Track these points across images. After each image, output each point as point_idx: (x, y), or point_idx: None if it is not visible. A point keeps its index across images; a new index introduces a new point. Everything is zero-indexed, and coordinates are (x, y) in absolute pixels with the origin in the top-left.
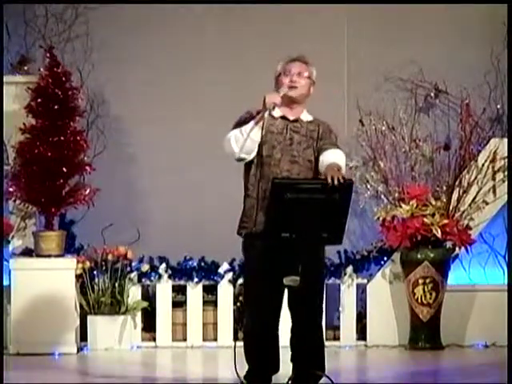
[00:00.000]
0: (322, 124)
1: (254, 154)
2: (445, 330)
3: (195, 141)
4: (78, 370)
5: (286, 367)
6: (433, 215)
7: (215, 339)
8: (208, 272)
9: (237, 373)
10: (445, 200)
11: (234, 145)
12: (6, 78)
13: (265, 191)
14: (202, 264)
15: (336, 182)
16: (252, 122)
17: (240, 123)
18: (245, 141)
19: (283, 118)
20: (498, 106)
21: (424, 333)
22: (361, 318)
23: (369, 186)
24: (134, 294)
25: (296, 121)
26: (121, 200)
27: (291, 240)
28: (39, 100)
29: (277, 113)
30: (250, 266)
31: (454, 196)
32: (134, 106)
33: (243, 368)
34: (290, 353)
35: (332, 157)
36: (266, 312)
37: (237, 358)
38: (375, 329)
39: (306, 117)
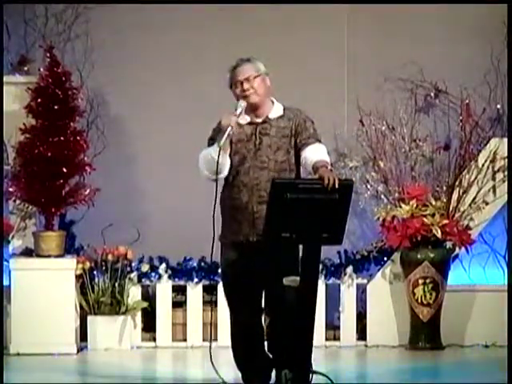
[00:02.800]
0: (294, 117)
1: (226, 171)
2: (445, 330)
3: (195, 141)
4: (77, 370)
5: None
6: (433, 215)
7: (215, 339)
8: (208, 272)
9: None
10: (445, 200)
11: (204, 170)
12: (5, 78)
13: (235, 200)
14: (202, 264)
15: (331, 185)
16: (215, 146)
17: (210, 140)
18: (208, 163)
19: (250, 123)
20: (498, 106)
21: (424, 333)
22: (361, 318)
23: (369, 186)
24: (134, 294)
25: (264, 122)
26: (121, 200)
27: (291, 240)
28: (39, 100)
29: (243, 120)
30: (224, 271)
31: (454, 196)
32: (134, 106)
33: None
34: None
35: (316, 153)
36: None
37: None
38: (375, 329)
39: (275, 113)
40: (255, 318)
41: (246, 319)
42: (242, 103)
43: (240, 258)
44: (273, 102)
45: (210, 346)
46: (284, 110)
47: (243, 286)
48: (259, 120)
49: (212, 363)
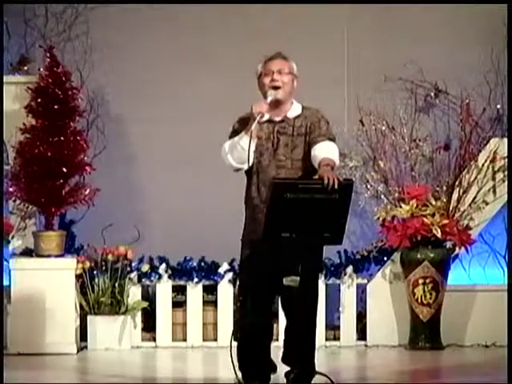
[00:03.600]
0: (309, 115)
1: (249, 163)
2: (445, 330)
3: (195, 141)
4: (78, 370)
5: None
6: (433, 215)
7: (215, 339)
8: (208, 272)
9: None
10: (445, 200)
11: (228, 156)
12: (5, 78)
13: (252, 199)
14: (202, 264)
15: (330, 186)
16: (243, 132)
17: (234, 132)
18: (237, 151)
19: (269, 121)
20: (498, 106)
21: (424, 333)
22: (361, 318)
23: (369, 186)
24: (134, 294)
25: (282, 121)
26: (121, 200)
27: (291, 240)
28: (39, 100)
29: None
30: (244, 270)
31: (454, 196)
32: (134, 106)
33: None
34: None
35: (323, 151)
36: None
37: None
38: (375, 329)
39: (293, 112)
40: (268, 318)
41: (259, 318)
42: (272, 95)
43: (257, 257)
44: (292, 103)
45: (231, 345)
46: (302, 109)
47: (259, 285)
48: (278, 119)
49: (232, 361)
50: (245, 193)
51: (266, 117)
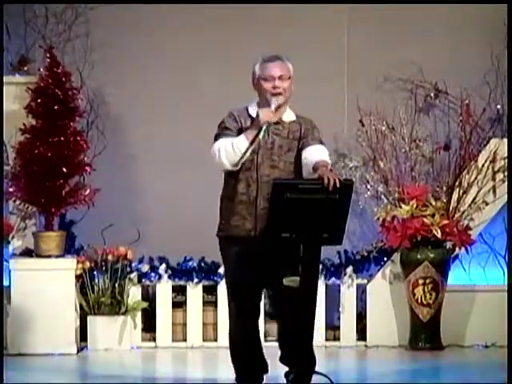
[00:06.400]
0: (304, 122)
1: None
2: (445, 330)
3: (195, 140)
4: (77, 370)
5: (280, 366)
6: (433, 215)
7: (215, 339)
8: (208, 272)
9: None
10: (445, 200)
11: (222, 158)
12: (5, 78)
13: (242, 194)
14: (202, 264)
15: (331, 187)
16: (244, 139)
17: (225, 129)
18: (233, 155)
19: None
20: (498, 106)
21: (424, 333)
22: (361, 318)
23: (369, 186)
24: (134, 294)
25: (278, 123)
26: (121, 200)
27: (291, 240)
28: (39, 100)
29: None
30: (226, 268)
31: (454, 196)
32: (133, 105)
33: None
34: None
35: (317, 153)
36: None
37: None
38: (375, 329)
39: (288, 117)
40: (255, 317)
41: (247, 318)
42: (276, 102)
43: (242, 253)
44: (287, 106)
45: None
46: (296, 116)
47: (245, 282)
48: (274, 120)
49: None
50: (225, 188)
51: (267, 127)
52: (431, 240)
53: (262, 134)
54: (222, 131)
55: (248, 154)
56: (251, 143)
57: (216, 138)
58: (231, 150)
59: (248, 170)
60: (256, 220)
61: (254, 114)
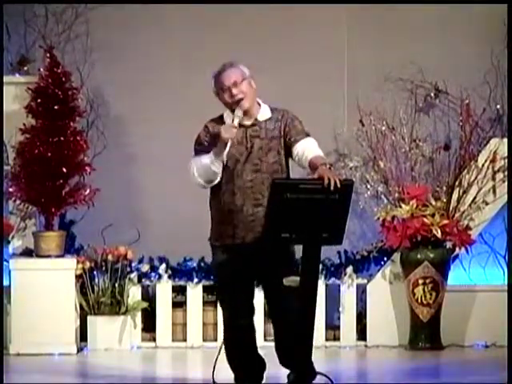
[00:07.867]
0: (282, 118)
1: (219, 178)
2: (445, 330)
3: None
4: (77, 370)
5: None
6: (433, 215)
7: (215, 339)
8: (208, 272)
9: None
10: (445, 200)
11: (196, 178)
12: (5, 78)
13: (229, 203)
14: (202, 264)
15: (332, 186)
16: (211, 155)
17: (200, 145)
18: (207, 174)
19: (240, 125)
20: (498, 106)
21: (424, 333)
22: (361, 318)
23: (369, 186)
24: (134, 294)
25: (254, 125)
26: (121, 200)
27: (291, 240)
28: (39, 100)
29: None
30: (215, 274)
31: (454, 196)
32: (133, 105)
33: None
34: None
35: (309, 149)
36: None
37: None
38: (375, 329)
39: (263, 115)
40: (249, 319)
41: (241, 321)
42: (239, 113)
43: (235, 261)
44: (259, 104)
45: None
46: (271, 111)
47: (239, 288)
48: (248, 122)
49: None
50: (212, 197)
51: (230, 143)
52: (431, 240)
53: (226, 151)
54: (196, 147)
55: (218, 170)
56: (217, 156)
57: (193, 155)
58: (204, 170)
59: (231, 179)
60: (250, 228)
61: (228, 121)
